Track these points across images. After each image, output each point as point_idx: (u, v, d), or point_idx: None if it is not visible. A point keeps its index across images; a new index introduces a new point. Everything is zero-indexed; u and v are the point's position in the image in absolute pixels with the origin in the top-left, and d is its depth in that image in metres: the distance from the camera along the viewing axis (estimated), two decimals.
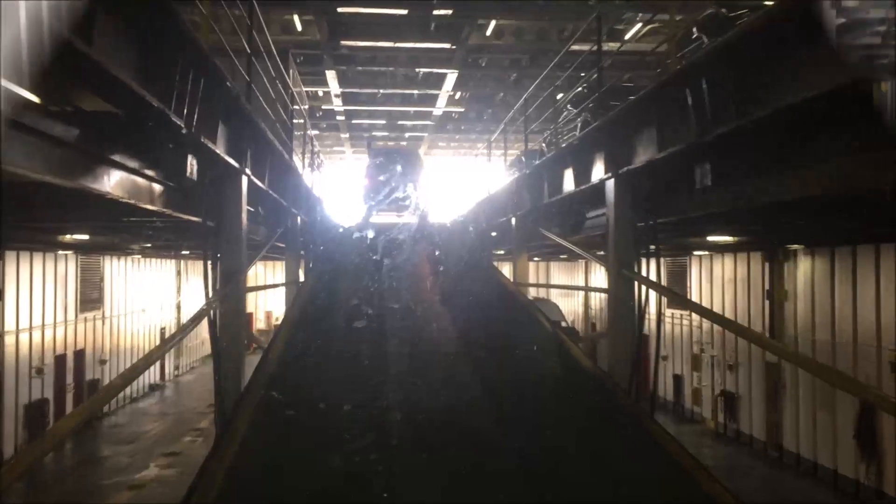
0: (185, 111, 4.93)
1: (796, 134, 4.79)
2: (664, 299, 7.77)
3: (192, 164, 5.28)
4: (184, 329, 6.22)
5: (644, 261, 7.54)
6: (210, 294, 6.44)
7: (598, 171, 7.83)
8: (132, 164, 5.05)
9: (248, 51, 7.45)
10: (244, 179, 7.22)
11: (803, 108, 4.20)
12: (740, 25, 4.49)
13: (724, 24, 7.28)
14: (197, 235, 6.74)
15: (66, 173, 4.09)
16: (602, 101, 8.08)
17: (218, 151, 5.87)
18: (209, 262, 6.56)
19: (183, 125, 4.84)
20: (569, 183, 8.97)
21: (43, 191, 4.58)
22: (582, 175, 8.41)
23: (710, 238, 12.88)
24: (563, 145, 9.69)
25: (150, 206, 5.53)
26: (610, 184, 7.43)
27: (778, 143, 4.98)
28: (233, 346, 7.19)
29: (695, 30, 7.84)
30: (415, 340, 8.83)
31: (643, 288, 7.40)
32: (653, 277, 7.48)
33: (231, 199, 7.03)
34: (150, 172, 5.41)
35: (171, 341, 5.35)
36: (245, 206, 7.30)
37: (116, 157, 4.79)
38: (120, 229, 9.74)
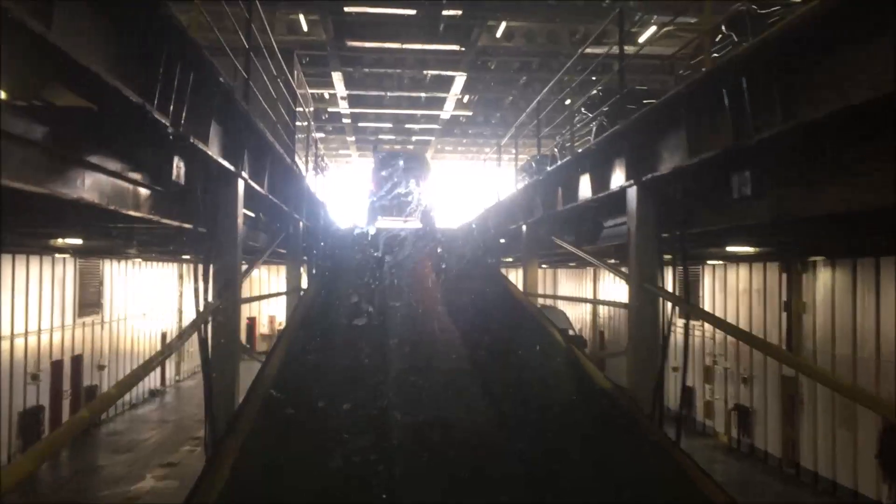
0: (172, 108, 4.48)
1: (850, 139, 4.30)
2: (679, 312, 7.31)
3: (178, 166, 4.82)
4: (169, 348, 5.73)
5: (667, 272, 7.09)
6: (202, 306, 5.98)
7: (619, 178, 7.33)
8: (113, 166, 4.59)
9: (247, 46, 6.98)
10: (240, 183, 6.75)
11: (862, 112, 3.73)
12: (794, 17, 3.98)
13: (755, 22, 6.79)
14: (190, 242, 6.29)
15: (30, 177, 3.63)
16: (621, 105, 7.59)
17: (210, 153, 5.41)
18: (201, 272, 6.10)
19: (168, 123, 4.38)
20: (585, 190, 8.48)
21: (14, 196, 4.12)
22: (600, 182, 7.92)
23: (729, 248, 12.35)
24: (580, 150, 9.20)
25: (133, 213, 5.06)
26: (632, 191, 6.94)
27: (828, 148, 4.48)
28: (226, 360, 6.72)
29: (723, 28, 7.33)
30: (413, 354, 8.47)
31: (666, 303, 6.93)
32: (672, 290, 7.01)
33: (226, 205, 6.56)
34: (134, 175, 4.95)
35: (149, 365, 4.86)
36: (241, 212, 6.84)
37: (94, 159, 4.32)
38: (112, 234, 9.29)
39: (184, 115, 4.67)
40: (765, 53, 4.34)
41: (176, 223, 6.11)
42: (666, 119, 6.01)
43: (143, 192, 5.31)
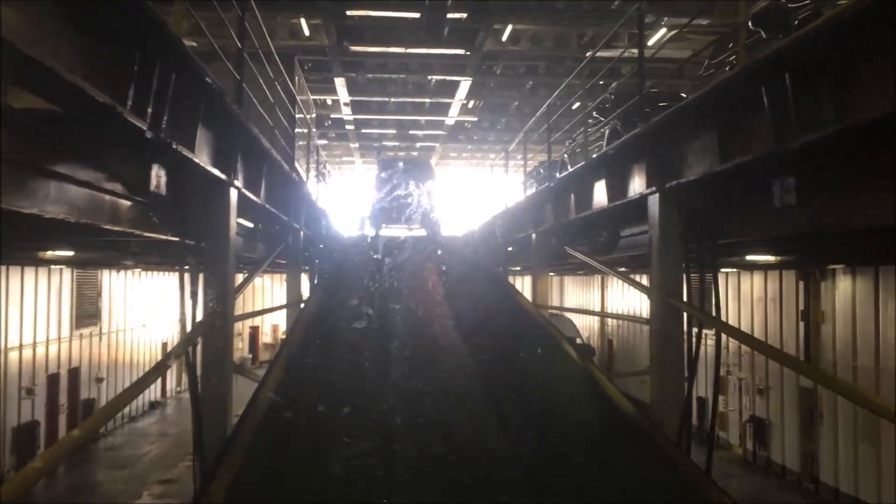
0: (150, 110, 4.01)
1: None
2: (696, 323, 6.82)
3: (158, 175, 4.35)
4: (145, 379, 5.16)
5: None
6: (189, 326, 5.50)
7: (639, 185, 6.84)
8: (85, 175, 4.12)
9: (240, 46, 6.51)
10: (233, 193, 6.28)
11: None
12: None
13: (785, 17, 6.32)
14: (180, 255, 5.82)
15: None
16: (640, 107, 7.12)
17: (196, 160, 4.94)
18: (188, 287, 5.62)
19: (146, 128, 3.91)
20: (601, 197, 7.99)
21: None
22: (617, 188, 7.42)
23: (749, 257, 11.84)
24: (594, 155, 8.71)
25: (111, 227, 4.59)
26: (653, 199, 6.43)
27: (881, 151, 3.99)
28: (218, 382, 6.24)
29: (750, 24, 6.84)
30: (416, 367, 8.14)
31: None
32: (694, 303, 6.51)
33: (217, 216, 6.08)
34: (111, 186, 4.48)
35: (120, 401, 4.43)
36: (234, 224, 6.37)
37: (62, 168, 3.86)
38: (100, 246, 8.82)
39: (165, 118, 4.21)
40: (815, 45, 3.85)
41: (162, 236, 5.64)
42: (693, 121, 5.52)
43: (124, 203, 4.84)
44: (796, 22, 6.08)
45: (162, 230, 5.63)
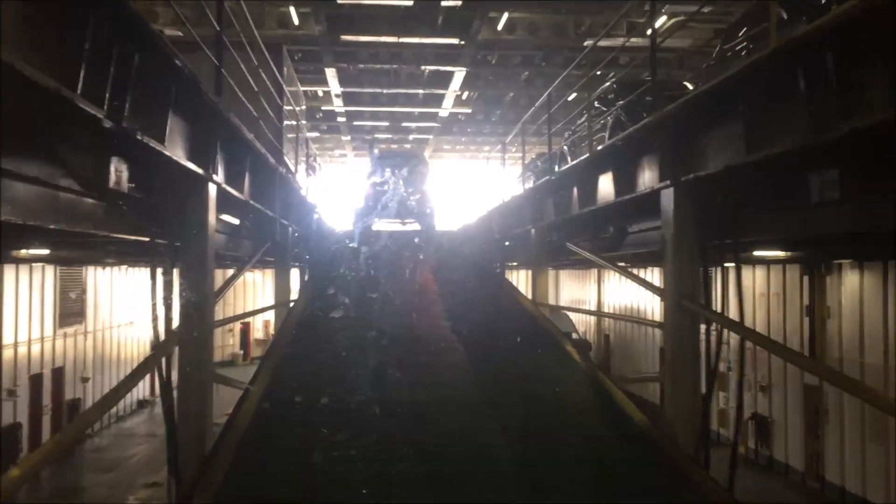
0: (108, 95, 3.51)
1: None
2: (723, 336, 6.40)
3: (118, 170, 3.85)
4: (118, 391, 4.68)
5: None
6: (162, 332, 5.01)
7: (650, 178, 6.36)
8: (33, 171, 3.61)
9: (218, 28, 5.99)
10: (212, 188, 5.77)
11: None
12: None
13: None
14: (154, 256, 5.33)
15: None
16: (653, 95, 6.66)
17: (167, 153, 4.43)
18: (161, 291, 5.13)
19: (102, 115, 3.41)
20: (606, 191, 7.50)
21: None
22: (625, 182, 6.94)
23: (757, 253, 11.42)
24: (599, 147, 8.23)
25: (67, 227, 4.09)
26: (667, 194, 5.95)
27: None
28: (196, 393, 5.76)
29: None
30: (411, 371, 7.86)
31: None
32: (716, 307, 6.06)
33: (194, 213, 5.58)
34: (66, 182, 3.96)
35: (92, 412, 3.96)
36: (213, 221, 5.87)
37: (3, 163, 3.34)
38: (71, 246, 8.30)
39: (127, 105, 3.71)
40: (865, 21, 3.37)
41: (131, 237, 5.14)
42: (714, 109, 5.04)
43: (85, 201, 4.33)
44: (823, 1, 5.61)
45: (136, 229, 5.13)
